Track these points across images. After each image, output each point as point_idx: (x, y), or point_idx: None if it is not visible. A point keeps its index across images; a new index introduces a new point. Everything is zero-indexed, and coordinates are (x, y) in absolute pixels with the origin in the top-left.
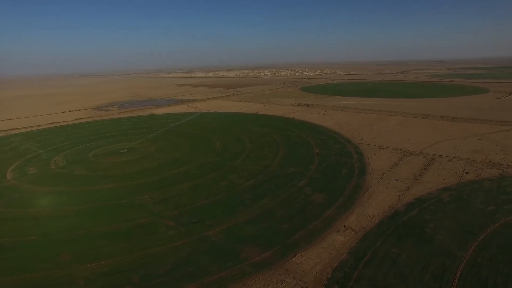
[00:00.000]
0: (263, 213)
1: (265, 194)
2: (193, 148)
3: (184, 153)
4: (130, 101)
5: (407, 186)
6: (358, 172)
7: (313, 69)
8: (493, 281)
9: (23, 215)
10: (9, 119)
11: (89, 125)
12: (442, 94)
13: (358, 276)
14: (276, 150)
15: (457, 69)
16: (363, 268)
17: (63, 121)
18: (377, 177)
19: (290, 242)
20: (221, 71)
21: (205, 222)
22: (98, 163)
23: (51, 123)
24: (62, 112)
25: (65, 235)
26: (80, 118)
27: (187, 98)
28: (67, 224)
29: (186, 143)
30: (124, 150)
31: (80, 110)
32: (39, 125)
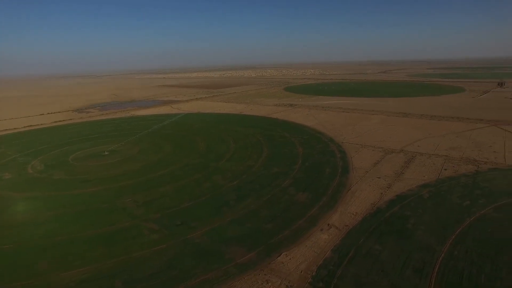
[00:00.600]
0: (247, 214)
1: (249, 194)
2: (176, 149)
3: (168, 154)
4: (112, 102)
5: (388, 184)
6: (341, 170)
7: (297, 69)
8: (468, 272)
9: None
10: None
11: (69, 128)
12: (421, 93)
13: (342, 274)
14: (260, 150)
15: (435, 69)
16: (347, 266)
17: (41, 124)
18: (360, 175)
19: (274, 241)
20: (205, 71)
21: (189, 224)
22: (79, 166)
23: (28, 126)
24: (41, 115)
25: (43, 242)
26: (60, 121)
27: (170, 99)
28: (45, 231)
29: (170, 145)
30: (106, 153)
31: (59, 112)
32: (15, 128)
